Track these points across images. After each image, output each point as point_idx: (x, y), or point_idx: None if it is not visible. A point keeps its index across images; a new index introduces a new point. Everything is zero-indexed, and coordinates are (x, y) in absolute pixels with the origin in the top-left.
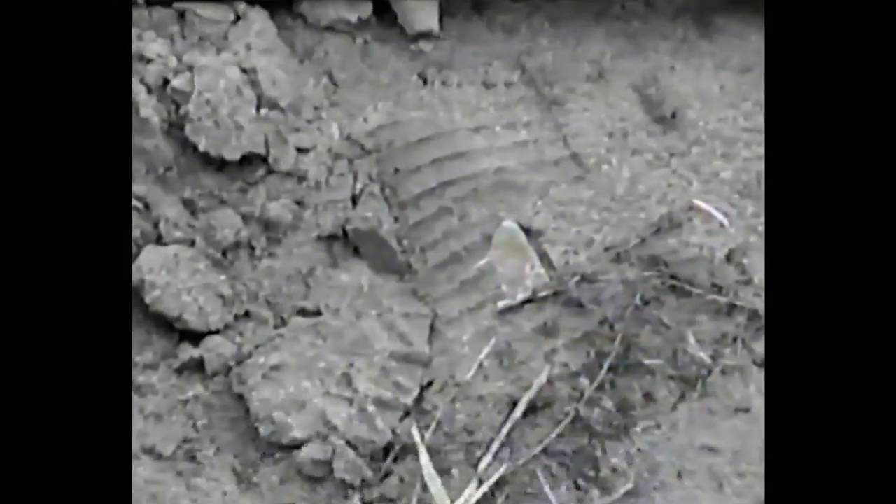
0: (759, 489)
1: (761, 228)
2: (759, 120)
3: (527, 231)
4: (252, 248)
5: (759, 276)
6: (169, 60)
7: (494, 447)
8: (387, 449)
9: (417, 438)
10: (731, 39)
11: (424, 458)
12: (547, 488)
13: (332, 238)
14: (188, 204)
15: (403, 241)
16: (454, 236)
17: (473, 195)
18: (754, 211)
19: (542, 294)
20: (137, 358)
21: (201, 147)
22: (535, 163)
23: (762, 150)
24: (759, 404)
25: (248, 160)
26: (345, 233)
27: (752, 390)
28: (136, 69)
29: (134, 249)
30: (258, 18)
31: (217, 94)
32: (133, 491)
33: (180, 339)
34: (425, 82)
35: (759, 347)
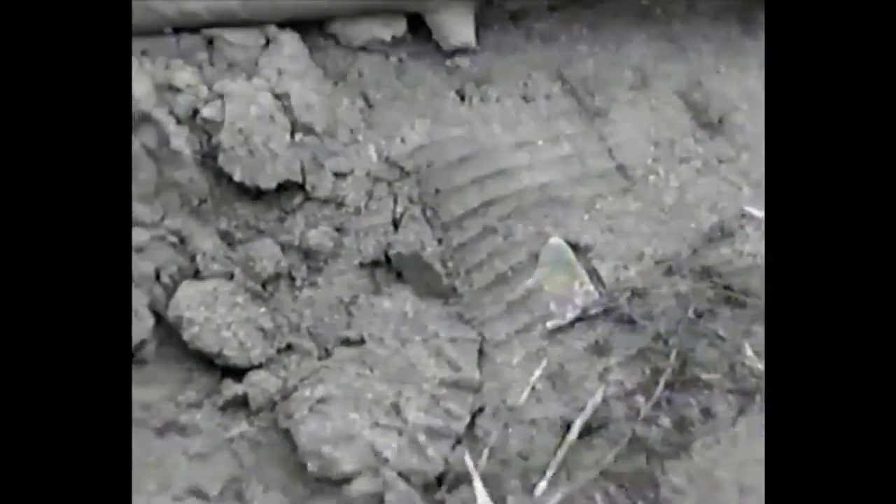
0: None
1: None
2: None
3: (574, 247)
4: (292, 279)
5: None
6: (199, 90)
7: (550, 472)
8: (440, 479)
9: (471, 466)
10: None
11: (479, 486)
12: None
13: (374, 264)
14: (225, 236)
15: (448, 264)
16: (499, 256)
17: (518, 213)
18: None
19: (593, 311)
20: (180, 397)
21: (236, 177)
22: (579, 176)
23: None
24: None
25: (285, 188)
26: (387, 258)
27: None
28: (165, 99)
29: (171, 285)
30: (289, 41)
31: (249, 121)
32: None
33: (223, 376)
34: (463, 99)
35: None
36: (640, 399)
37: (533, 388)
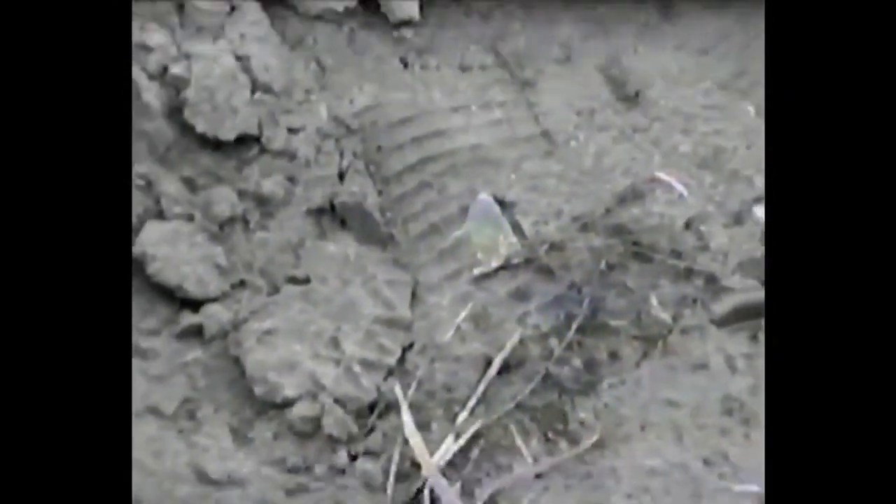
0: (716, 441)
1: (718, 198)
2: (717, 98)
3: (501, 203)
4: (246, 222)
5: (715, 242)
6: (169, 49)
7: (471, 403)
8: (371, 406)
9: (400, 396)
10: (691, 23)
11: (406, 414)
12: (519, 441)
13: (320, 212)
14: (187, 182)
15: (386, 214)
16: (433, 209)
17: (451, 170)
18: (712, 182)
19: (515, 261)
20: (141, 325)
21: (199, 129)
22: (508, 140)
23: (719, 126)
24: (716, 361)
25: (243, 140)
26: (332, 207)
27: (710, 348)
28: (138, 58)
29: (137, 225)
30: (251, 9)
31: (213, 79)
32: (138, 448)
33: (181, 307)
34: (406, 66)
35: (717, 308)
36: (553, 341)
37: (458, 328)
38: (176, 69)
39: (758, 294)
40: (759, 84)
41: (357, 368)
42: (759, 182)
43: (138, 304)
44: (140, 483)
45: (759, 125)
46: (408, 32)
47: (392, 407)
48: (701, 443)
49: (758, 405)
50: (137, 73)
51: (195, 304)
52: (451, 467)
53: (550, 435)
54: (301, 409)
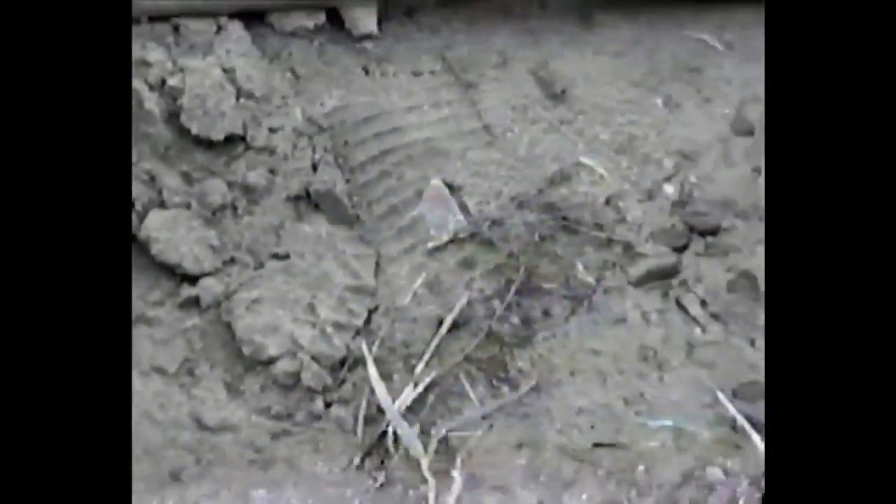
0: (635, 383)
1: (633, 178)
2: (630, 93)
3: (449, 186)
4: (235, 209)
5: (631, 216)
6: (166, 64)
7: (426, 357)
8: (342, 361)
9: (366, 352)
10: (608, 31)
11: (371, 367)
12: (468, 387)
13: (297, 198)
14: (184, 176)
15: (353, 198)
16: (393, 193)
17: (407, 160)
18: (627, 164)
19: (462, 236)
20: (147, 297)
21: (193, 131)
22: (455, 133)
23: (633, 117)
24: (633, 316)
25: (231, 139)
26: (307, 194)
27: (628, 305)
28: (140, 72)
29: (142, 213)
30: (235, 29)
31: (204, 89)
32: (146, 402)
33: (180, 282)
34: (368, 73)
35: (633, 271)
36: (495, 302)
37: (415, 293)
38: (172, 81)
39: (668, 259)
40: (665, 81)
41: (330, 329)
42: (668, 164)
43: (145, 279)
44: (148, 431)
45: (667, 115)
46: (368, 45)
47: (360, 362)
48: (621, 385)
49: (669, 352)
50: (140, 85)
51: (192, 279)
52: (411, 411)
53: (494, 382)
54: (283, 366)
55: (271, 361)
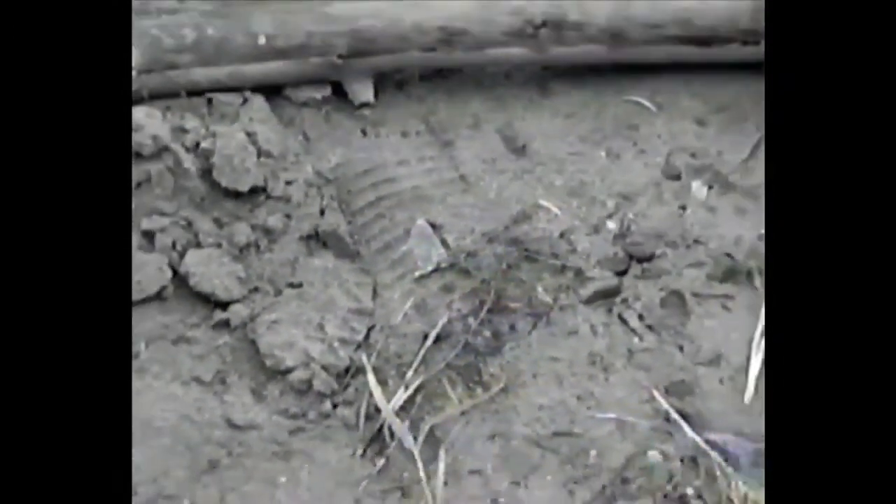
0: (585, 384)
1: (583, 216)
2: (580, 147)
3: (433, 226)
4: (258, 247)
5: (581, 246)
6: (200, 130)
7: (414, 365)
8: (347, 370)
9: (366, 362)
10: (561, 97)
11: (370, 375)
12: (449, 389)
13: (308, 237)
14: (216, 221)
15: (354, 237)
16: (386, 232)
17: (398, 205)
18: (577, 205)
19: (444, 266)
20: (187, 320)
21: (223, 184)
22: (437, 182)
23: (582, 167)
24: (584, 329)
25: (254, 191)
26: (317, 234)
27: (579, 320)
28: (178, 137)
29: (182, 251)
30: (258, 100)
31: (232, 149)
32: (186, 406)
33: (214, 307)
34: (365, 134)
35: (584, 292)
36: (471, 320)
37: (405, 314)
38: (205, 144)
39: (612, 281)
40: (608, 136)
41: (336, 344)
42: (611, 204)
43: (184, 306)
44: (188, 430)
45: (609, 164)
46: (366, 111)
47: (361, 370)
48: (574, 386)
49: (613, 358)
50: (178, 148)
51: (224, 305)
52: (403, 410)
53: (470, 385)
54: (298, 374)
55: (288, 371)
